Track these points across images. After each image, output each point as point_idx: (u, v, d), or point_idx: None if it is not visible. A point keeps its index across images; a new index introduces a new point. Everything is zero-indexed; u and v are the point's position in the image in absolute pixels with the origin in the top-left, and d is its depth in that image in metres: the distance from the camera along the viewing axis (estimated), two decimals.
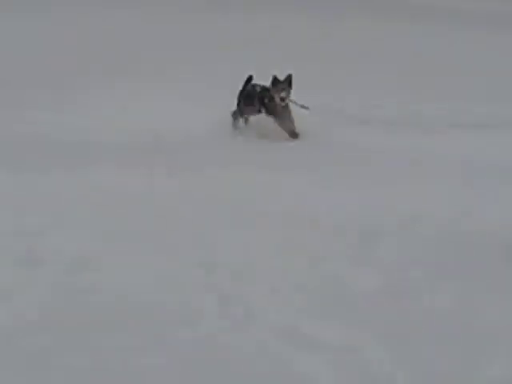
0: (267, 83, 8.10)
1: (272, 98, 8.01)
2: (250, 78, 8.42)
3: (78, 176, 6.54)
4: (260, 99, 8.15)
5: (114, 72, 10.46)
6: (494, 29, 14.76)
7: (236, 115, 8.36)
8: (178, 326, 4.37)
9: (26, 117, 8.65)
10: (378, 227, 5.68)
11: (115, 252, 5.25)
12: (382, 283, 4.87)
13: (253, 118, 8.43)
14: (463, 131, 8.31)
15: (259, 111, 8.22)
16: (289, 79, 7.99)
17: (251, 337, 4.28)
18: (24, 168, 6.69)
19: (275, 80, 8.04)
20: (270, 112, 8.10)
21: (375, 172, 6.91)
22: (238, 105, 8.33)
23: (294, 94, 8.15)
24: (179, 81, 9.71)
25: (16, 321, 4.39)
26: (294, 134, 7.99)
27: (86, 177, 6.52)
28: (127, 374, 3.95)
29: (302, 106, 7.95)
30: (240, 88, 8.36)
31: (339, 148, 7.70)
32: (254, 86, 8.34)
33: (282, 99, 7.90)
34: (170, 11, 15.92)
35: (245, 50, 12.14)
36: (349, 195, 6.30)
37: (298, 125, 8.07)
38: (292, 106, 8.09)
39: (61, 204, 5.99)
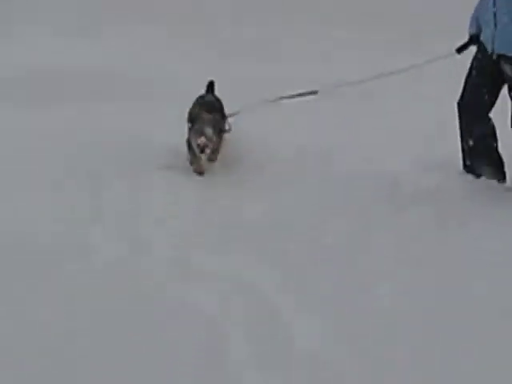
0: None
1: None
2: (211, 84, 6.01)
3: None
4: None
5: None
6: None
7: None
8: (66, 259, 4.35)
9: None
10: None
11: None
12: (265, 211, 5.00)
13: None
14: None
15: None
16: (217, 117, 5.62)
17: (142, 269, 4.30)
18: None
19: (211, 85, 5.98)
20: None
21: None
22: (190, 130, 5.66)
23: None
24: None
25: None
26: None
27: None
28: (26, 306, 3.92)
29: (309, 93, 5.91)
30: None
31: None
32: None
33: (201, 148, 5.45)
34: None
35: None
36: None
37: None
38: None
39: None
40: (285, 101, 5.90)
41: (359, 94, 6.48)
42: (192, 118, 5.58)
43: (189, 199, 5.26)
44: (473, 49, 5.43)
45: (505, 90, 5.30)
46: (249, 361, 3.49)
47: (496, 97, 5.35)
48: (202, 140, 5.41)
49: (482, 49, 5.32)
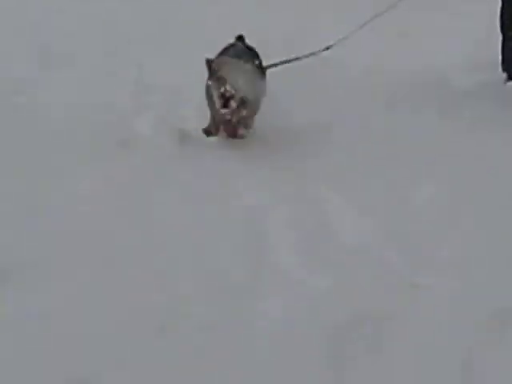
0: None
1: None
2: (240, 39, 4.84)
3: None
4: None
5: None
6: None
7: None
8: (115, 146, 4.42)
9: None
10: None
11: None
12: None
13: None
14: None
15: None
16: (252, 56, 4.54)
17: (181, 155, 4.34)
18: None
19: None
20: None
21: None
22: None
23: None
24: None
25: None
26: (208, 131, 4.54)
27: None
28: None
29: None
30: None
31: None
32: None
33: (226, 100, 4.19)
34: None
35: None
36: None
37: None
38: None
39: None
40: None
41: None
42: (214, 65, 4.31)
43: None
44: None
45: None
46: (298, 260, 3.51)
47: None
48: (226, 88, 4.17)
49: None
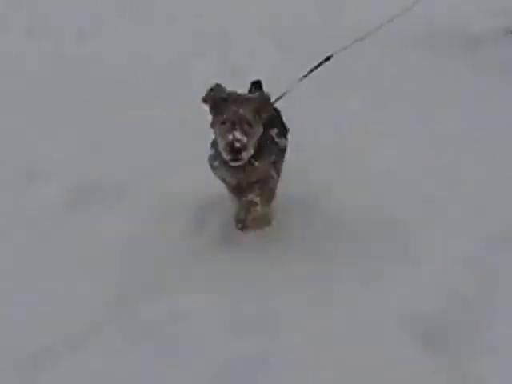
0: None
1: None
2: (256, 84, 3.71)
3: None
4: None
5: None
6: None
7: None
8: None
9: None
10: None
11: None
12: None
13: None
14: None
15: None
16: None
17: None
18: None
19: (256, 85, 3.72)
20: None
21: None
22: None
23: None
24: None
25: None
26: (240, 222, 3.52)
27: None
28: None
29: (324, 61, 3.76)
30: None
31: None
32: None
33: (235, 150, 3.11)
34: None
35: None
36: None
37: None
38: None
39: None
40: None
41: None
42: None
43: None
44: None
45: None
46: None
47: None
48: (235, 135, 3.11)
49: None
